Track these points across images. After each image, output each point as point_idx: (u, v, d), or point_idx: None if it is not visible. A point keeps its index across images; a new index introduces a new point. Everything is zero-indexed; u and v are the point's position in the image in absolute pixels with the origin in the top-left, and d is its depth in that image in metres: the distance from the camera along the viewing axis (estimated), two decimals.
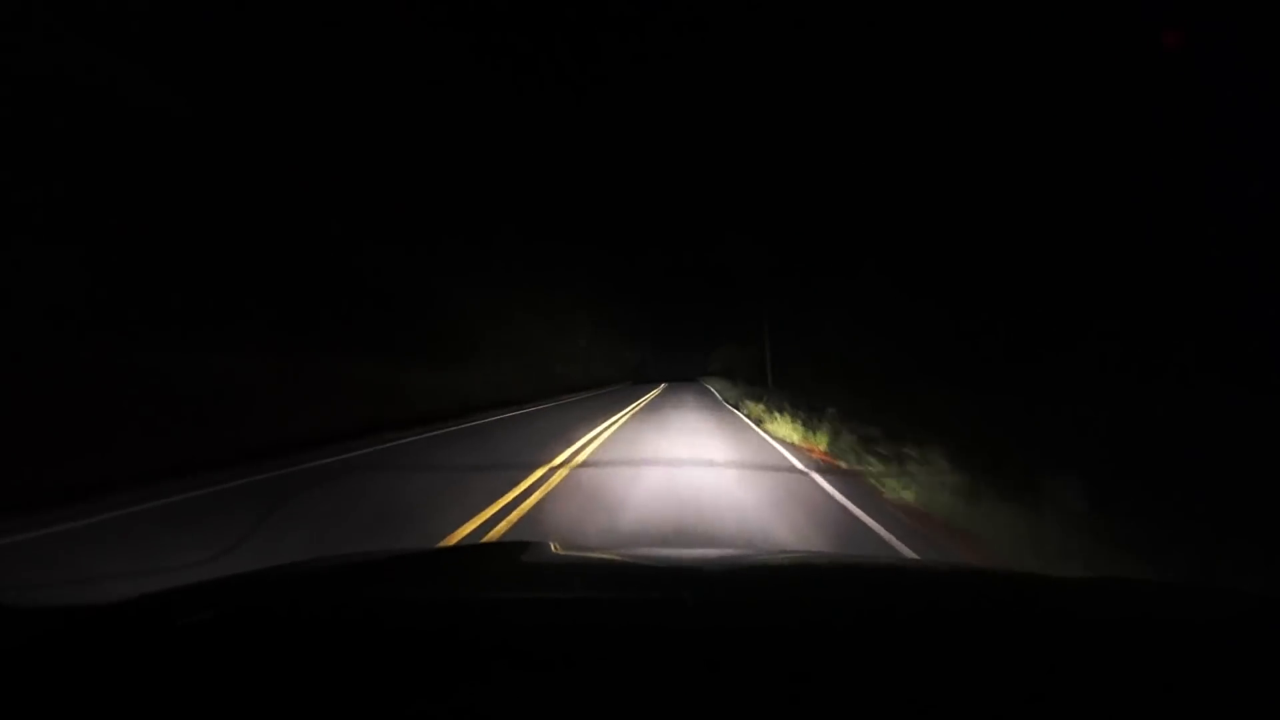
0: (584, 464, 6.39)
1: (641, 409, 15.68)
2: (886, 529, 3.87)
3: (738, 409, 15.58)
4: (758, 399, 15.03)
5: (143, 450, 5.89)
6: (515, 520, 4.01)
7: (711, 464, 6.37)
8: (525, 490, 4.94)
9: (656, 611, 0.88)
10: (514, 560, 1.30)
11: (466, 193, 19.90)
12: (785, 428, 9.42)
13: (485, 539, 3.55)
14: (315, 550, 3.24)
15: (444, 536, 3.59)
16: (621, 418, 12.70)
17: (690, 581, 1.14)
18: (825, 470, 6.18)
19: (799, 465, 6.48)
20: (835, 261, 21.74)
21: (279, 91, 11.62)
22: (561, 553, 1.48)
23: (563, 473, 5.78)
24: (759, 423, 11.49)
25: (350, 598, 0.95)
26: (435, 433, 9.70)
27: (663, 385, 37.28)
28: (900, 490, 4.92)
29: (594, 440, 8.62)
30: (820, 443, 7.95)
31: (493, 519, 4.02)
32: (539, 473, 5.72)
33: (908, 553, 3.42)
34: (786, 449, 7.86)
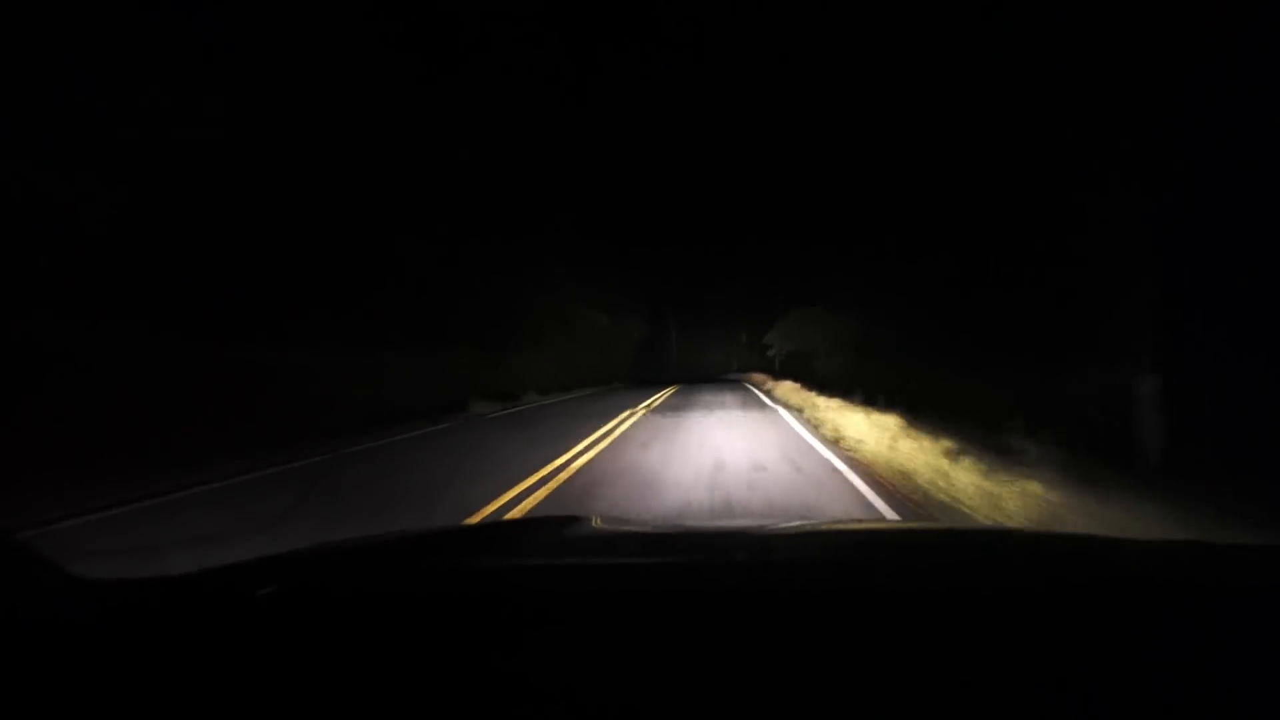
0: None
1: None
2: None
3: None
4: None
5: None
6: None
7: None
8: None
9: (711, 572, 0.87)
10: (560, 532, 1.32)
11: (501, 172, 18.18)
12: None
13: None
14: None
15: None
16: None
17: (741, 546, 1.14)
18: None
19: None
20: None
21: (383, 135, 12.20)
22: (602, 527, 1.50)
23: None
24: None
25: (410, 568, 0.98)
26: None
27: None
28: None
29: None
30: None
31: None
32: None
33: None
34: None
